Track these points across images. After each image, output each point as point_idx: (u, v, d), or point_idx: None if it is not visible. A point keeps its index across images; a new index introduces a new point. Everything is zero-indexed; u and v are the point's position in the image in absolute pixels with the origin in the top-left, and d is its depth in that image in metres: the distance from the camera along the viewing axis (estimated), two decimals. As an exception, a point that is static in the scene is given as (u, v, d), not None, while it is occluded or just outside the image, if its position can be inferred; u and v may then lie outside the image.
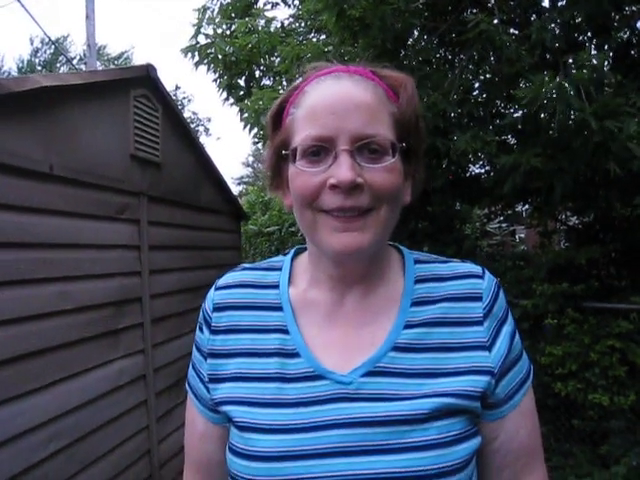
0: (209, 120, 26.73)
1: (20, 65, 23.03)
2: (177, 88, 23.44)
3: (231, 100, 4.56)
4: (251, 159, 26.93)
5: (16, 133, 2.34)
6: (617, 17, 3.79)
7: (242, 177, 26.70)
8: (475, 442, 0.79)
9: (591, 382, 3.44)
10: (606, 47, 3.85)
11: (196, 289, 3.93)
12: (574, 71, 3.09)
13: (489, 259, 5.40)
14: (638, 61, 4.02)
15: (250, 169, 27.05)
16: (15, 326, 2.26)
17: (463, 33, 3.42)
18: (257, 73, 4.60)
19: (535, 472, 0.87)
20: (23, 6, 9.76)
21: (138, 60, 25.21)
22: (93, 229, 2.87)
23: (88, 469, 2.67)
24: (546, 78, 2.87)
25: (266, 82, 4.64)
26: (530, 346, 3.94)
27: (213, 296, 0.90)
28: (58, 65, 23.11)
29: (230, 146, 49.25)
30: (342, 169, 0.73)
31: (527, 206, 5.09)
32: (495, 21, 3.34)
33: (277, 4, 5.29)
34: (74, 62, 20.32)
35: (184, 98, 24.27)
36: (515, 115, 3.79)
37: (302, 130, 0.77)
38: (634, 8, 3.88)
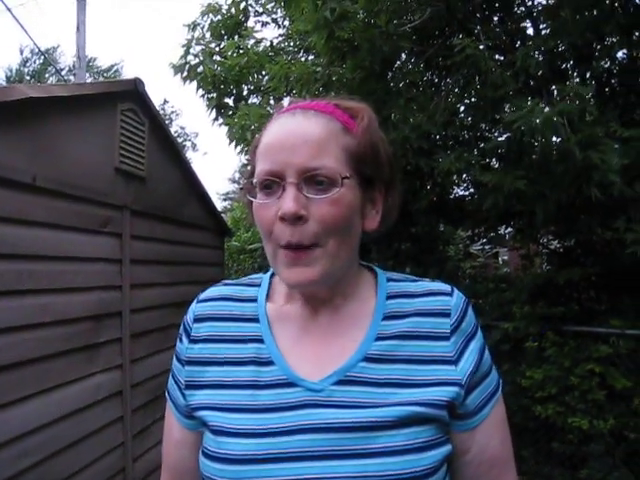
0: (196, 135, 26.73)
1: (9, 74, 22.94)
2: (165, 102, 23.45)
3: (220, 120, 4.57)
4: (237, 175, 26.91)
5: (0, 143, 2.32)
6: (599, 47, 3.89)
7: (228, 193, 26.65)
8: (444, 450, 0.82)
9: (571, 405, 3.45)
10: (588, 75, 3.94)
11: (177, 305, 3.90)
12: (558, 98, 3.15)
13: (471, 281, 5.43)
14: (618, 90, 4.11)
15: (236, 185, 27.02)
16: (-9, 338, 2.22)
17: (449, 57, 3.47)
18: (245, 92, 4.62)
19: None
20: (14, 16, 9.75)
21: (128, 73, 25.25)
22: (75, 242, 2.85)
23: (61, 486, 2.61)
24: (530, 104, 2.92)
25: (254, 101, 4.66)
26: (511, 369, 3.95)
27: (195, 308, 0.95)
28: (47, 76, 23.03)
29: (217, 162, 49.32)
30: (286, 201, 0.78)
31: (510, 229, 5.14)
32: (481, 47, 3.40)
33: (267, 23, 5.35)
34: (63, 73, 20.26)
35: (172, 112, 24.28)
36: (499, 139, 3.84)
37: (259, 165, 0.83)
38: (614, 39, 3.98)
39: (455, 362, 0.84)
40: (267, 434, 0.80)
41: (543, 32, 3.96)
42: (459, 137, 3.94)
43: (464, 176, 4.04)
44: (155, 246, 3.74)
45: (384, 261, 4.52)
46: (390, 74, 3.90)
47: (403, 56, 4.25)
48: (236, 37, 4.61)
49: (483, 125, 4.22)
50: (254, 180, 0.83)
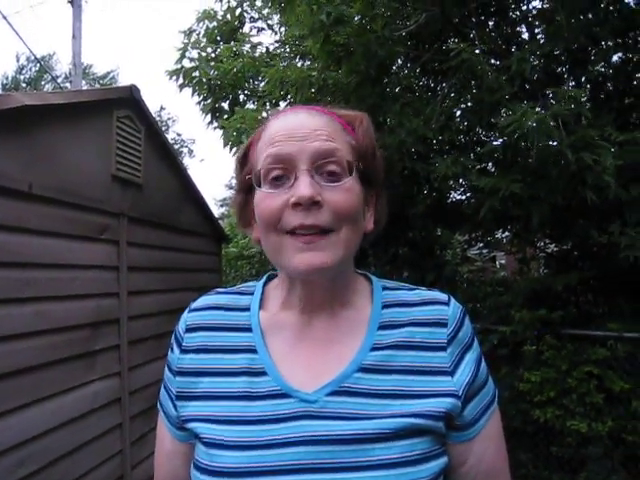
0: (193, 141, 26.75)
1: (5, 82, 22.94)
2: (162, 109, 23.48)
3: (215, 124, 4.58)
4: (234, 181, 26.87)
5: (-4, 151, 2.32)
6: (594, 51, 3.90)
7: (225, 199, 26.60)
8: (440, 462, 0.80)
9: (569, 409, 3.45)
10: (583, 79, 3.95)
11: (175, 311, 3.87)
12: (553, 102, 3.16)
13: (469, 285, 5.44)
14: (613, 94, 4.12)
15: (233, 191, 26.98)
16: (-12, 347, 2.21)
17: (445, 62, 3.49)
18: (241, 97, 4.63)
19: None
20: (9, 24, 9.78)
21: (124, 80, 25.27)
22: (72, 249, 2.85)
23: (59, 495, 2.60)
24: (524, 108, 2.93)
25: (250, 106, 4.67)
26: (509, 372, 3.95)
27: (186, 318, 0.93)
28: (43, 83, 23.05)
29: (214, 168, 49.34)
30: (301, 187, 0.77)
31: (507, 233, 5.15)
32: (476, 51, 3.41)
33: (262, 29, 5.37)
34: (59, 80, 20.28)
35: (169, 119, 24.30)
36: (495, 143, 3.85)
37: (264, 156, 0.82)
38: (610, 43, 3.99)
39: (451, 373, 0.83)
40: (260, 446, 0.78)
41: (538, 36, 3.98)
42: (455, 141, 3.95)
43: (461, 180, 4.05)
44: (152, 253, 3.73)
45: (381, 266, 4.51)
46: (386, 79, 3.91)
47: (399, 61, 4.26)
48: (232, 42, 4.62)
49: (479, 129, 4.23)
50: (259, 170, 0.81)
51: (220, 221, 6.35)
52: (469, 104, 4.03)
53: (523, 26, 4.24)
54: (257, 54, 4.58)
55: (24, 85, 22.86)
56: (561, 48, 3.49)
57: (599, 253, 4.07)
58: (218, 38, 4.85)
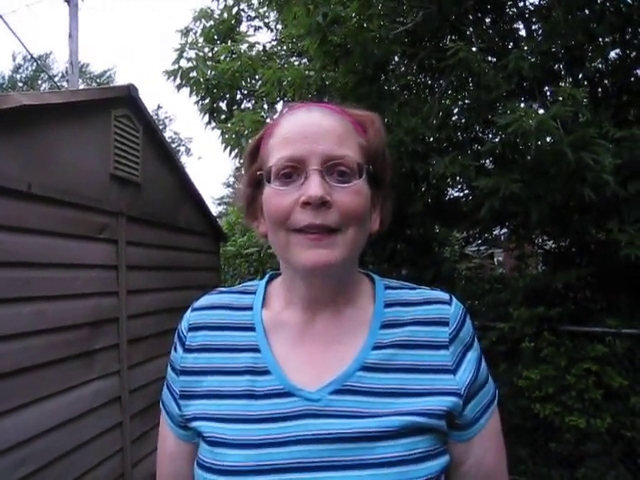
0: (190, 140, 26.73)
1: (1, 81, 22.89)
2: (159, 107, 23.49)
3: (213, 124, 4.58)
4: (232, 179, 26.87)
5: (-6, 151, 2.32)
6: (591, 48, 3.91)
7: (223, 197, 26.62)
8: (442, 461, 0.81)
9: (568, 405, 3.46)
10: (581, 76, 3.95)
11: (174, 310, 3.89)
12: (551, 100, 3.16)
13: (467, 282, 5.44)
14: (611, 91, 4.13)
15: (231, 189, 26.98)
16: (-12, 347, 2.21)
17: (442, 60, 3.49)
18: (238, 97, 4.63)
19: None
20: (6, 23, 9.77)
21: (121, 78, 25.24)
22: (71, 248, 2.85)
23: (60, 494, 2.60)
24: (524, 108, 2.94)
25: (247, 105, 4.67)
26: (507, 369, 3.96)
27: (189, 317, 0.93)
28: (40, 82, 23.00)
29: (211, 166, 49.37)
30: (312, 186, 0.78)
31: (505, 230, 5.16)
32: (473, 49, 3.41)
33: (259, 28, 5.36)
34: (56, 79, 20.23)
35: (166, 118, 24.32)
36: (494, 141, 3.86)
37: (277, 153, 0.83)
38: (607, 39, 4.00)
39: (454, 371, 0.84)
40: (264, 445, 0.79)
41: (535, 33, 3.98)
42: (453, 139, 3.95)
43: (459, 178, 4.06)
44: (151, 252, 3.73)
45: (379, 264, 4.52)
46: (383, 77, 3.91)
47: (395, 59, 4.26)
48: (229, 42, 4.61)
49: (477, 127, 4.23)
50: (270, 167, 0.82)
51: (218, 219, 6.35)
52: (467, 102, 4.04)
53: (520, 23, 4.24)
54: (254, 53, 4.57)
55: (21, 84, 22.82)
56: (558, 45, 3.50)
57: (597, 250, 4.08)
58: (215, 37, 4.85)
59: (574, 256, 4.49)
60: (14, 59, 23.14)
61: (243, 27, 5.21)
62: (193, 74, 4.30)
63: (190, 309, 0.95)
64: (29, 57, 20.74)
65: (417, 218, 4.39)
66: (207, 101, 4.46)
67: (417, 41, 4.25)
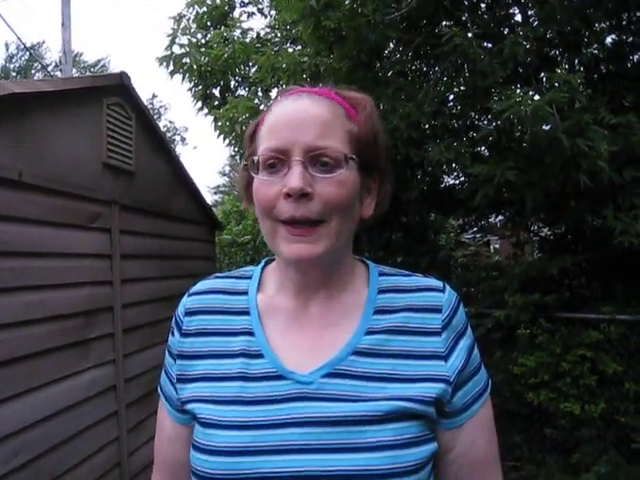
0: (186, 129, 26.56)
1: (-6, 71, 22.68)
2: (154, 97, 23.30)
3: (205, 110, 4.55)
4: (227, 168, 26.78)
5: (-15, 139, 2.30)
6: (587, 33, 3.89)
7: (218, 186, 26.52)
8: (430, 447, 0.81)
9: (562, 391, 3.49)
10: (577, 62, 3.93)
11: (169, 299, 3.88)
12: (547, 86, 3.15)
13: (463, 269, 5.45)
14: (607, 76, 4.11)
15: (226, 178, 26.91)
16: (-19, 336, 2.20)
17: (438, 46, 3.46)
18: (232, 83, 4.59)
19: None
20: (-3, 12, 9.60)
21: (115, 68, 25.00)
22: (64, 238, 2.83)
23: (57, 482, 2.60)
24: (519, 94, 2.92)
25: (241, 92, 4.63)
26: (503, 356, 3.98)
27: (186, 302, 0.94)
28: (33, 72, 22.81)
29: (207, 155, 49.15)
30: (293, 178, 0.78)
31: (500, 217, 5.16)
32: (469, 35, 3.39)
33: (253, 14, 5.31)
34: (50, 69, 20.07)
35: (161, 107, 24.13)
36: (489, 127, 3.84)
37: (263, 143, 0.84)
38: (604, 25, 3.98)
39: (445, 358, 0.84)
40: (256, 427, 0.80)
41: (532, 19, 3.95)
42: (448, 126, 3.94)
43: (454, 165, 4.05)
44: (145, 241, 3.72)
45: (375, 251, 4.51)
46: (378, 64, 3.88)
47: (391, 45, 4.23)
48: (222, 28, 4.57)
49: (472, 114, 4.21)
50: (257, 158, 0.83)
51: (214, 208, 6.32)
52: (462, 88, 4.01)
53: (516, 8, 4.21)
54: (248, 40, 4.53)
55: (14, 74, 22.62)
56: (554, 31, 3.47)
57: (593, 237, 4.08)
58: (208, 23, 4.81)
59: (570, 243, 4.50)
60: (7, 49, 22.94)
61: (236, 13, 5.17)
62: (186, 60, 4.26)
63: (187, 294, 0.96)
64: (22, 46, 20.55)
65: (413, 206, 4.38)
66: (200, 88, 4.42)
67: (412, 27, 4.22)
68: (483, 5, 4.30)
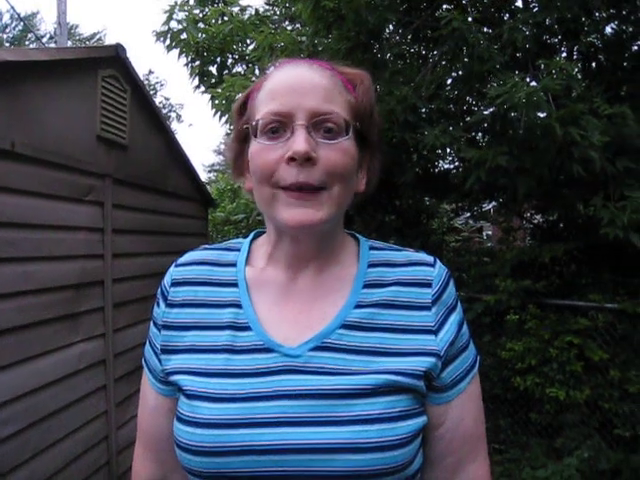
0: (182, 106, 26.39)
1: (-13, 41, 22.34)
2: (150, 72, 23.04)
3: (202, 88, 4.50)
4: (222, 147, 26.64)
5: (-23, 108, 2.27)
6: (587, 22, 3.86)
7: (213, 164, 26.43)
8: (420, 421, 0.82)
9: (549, 377, 3.52)
10: (575, 49, 3.92)
11: (160, 274, 3.80)
12: (545, 75, 3.13)
13: (455, 254, 5.47)
14: (605, 66, 4.10)
15: (221, 157, 26.78)
16: (-29, 306, 2.20)
17: (437, 29, 3.43)
18: (229, 61, 4.55)
19: (478, 459, 0.90)
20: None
21: (111, 42, 24.64)
22: (56, 210, 2.82)
23: (43, 454, 2.62)
24: (517, 79, 2.91)
25: (238, 70, 4.59)
26: (492, 340, 4.01)
27: (172, 272, 0.94)
28: (27, 43, 22.48)
29: (202, 133, 48.86)
30: (297, 141, 0.77)
31: (493, 202, 5.17)
32: (469, 19, 3.36)
33: (252, -10, 5.24)
34: (44, 40, 19.79)
35: (157, 83, 23.87)
36: (485, 113, 3.83)
37: (263, 107, 0.82)
38: (604, 14, 3.95)
39: (435, 332, 0.84)
40: (242, 399, 0.79)
41: (532, 4, 3.92)
42: (445, 110, 3.92)
43: (449, 150, 4.04)
44: (138, 215, 3.70)
45: (368, 233, 4.49)
46: (377, 45, 3.85)
47: (390, 27, 4.19)
48: (220, 4, 4.51)
49: (469, 99, 4.20)
50: (256, 121, 0.81)
51: (208, 186, 6.30)
52: (460, 72, 3.99)
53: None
54: (246, 17, 4.48)
55: (7, 44, 22.28)
56: (554, 18, 3.45)
57: (584, 225, 4.10)
58: (206, -1, 4.74)
59: (561, 230, 4.53)
60: (0, 19, 22.57)
61: (235, -12, 5.09)
62: (183, 36, 4.21)
63: (174, 264, 0.95)
64: (16, 16, 20.22)
65: (407, 189, 4.38)
66: (197, 65, 4.37)
67: (412, 9, 4.18)
68: (484, -11, 4.25)
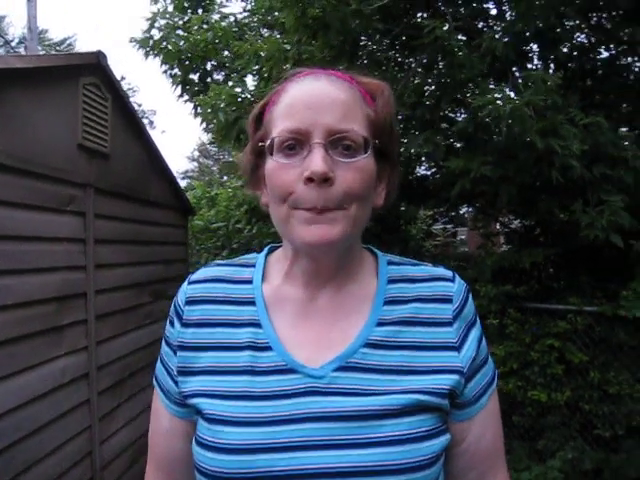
0: (154, 112, 26.09)
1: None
2: (122, 79, 22.76)
3: (186, 97, 4.47)
4: (197, 154, 26.45)
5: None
6: (560, 31, 3.95)
7: (187, 171, 26.18)
8: (444, 439, 0.81)
9: (530, 380, 3.58)
10: (552, 58, 4.00)
11: (142, 285, 3.84)
12: (522, 83, 3.19)
13: (433, 260, 5.52)
14: (578, 74, 4.20)
15: (195, 164, 26.59)
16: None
17: (416, 38, 3.47)
18: (209, 68, 4.52)
19: (499, 474, 0.90)
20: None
21: (81, 48, 24.30)
22: (36, 221, 2.75)
23: (27, 472, 2.55)
24: (497, 90, 2.96)
25: (218, 77, 4.57)
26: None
27: (186, 290, 0.90)
28: (-5, 47, 22.00)
29: (175, 140, 48.40)
30: (315, 161, 0.75)
31: (470, 208, 5.23)
32: (446, 26, 3.40)
33: (232, -3, 5.23)
34: (13, 44, 19.36)
35: (129, 89, 23.58)
36: (464, 121, 3.88)
37: (280, 124, 0.80)
38: (575, 22, 4.04)
39: (458, 349, 0.83)
40: (266, 423, 0.77)
41: (507, 14, 3.99)
42: (424, 117, 3.96)
43: (427, 157, 4.08)
44: (119, 225, 3.65)
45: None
46: (360, 53, 3.87)
47: (369, 34, 4.22)
48: (200, 11, 4.49)
49: (447, 106, 4.25)
50: (272, 139, 0.79)
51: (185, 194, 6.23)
52: (442, 80, 4.03)
53: (490, 3, 4.23)
54: (226, 24, 4.46)
55: (-27, 48, 21.77)
56: (532, 27, 3.51)
57: (561, 230, 4.18)
58: (186, 5, 4.71)
59: (538, 235, 4.60)
60: (-33, 22, 22.02)
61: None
62: (164, 44, 4.17)
63: (187, 282, 0.92)
64: (-19, 20, 19.77)
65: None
66: (180, 74, 4.34)
67: (390, 18, 4.21)
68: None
